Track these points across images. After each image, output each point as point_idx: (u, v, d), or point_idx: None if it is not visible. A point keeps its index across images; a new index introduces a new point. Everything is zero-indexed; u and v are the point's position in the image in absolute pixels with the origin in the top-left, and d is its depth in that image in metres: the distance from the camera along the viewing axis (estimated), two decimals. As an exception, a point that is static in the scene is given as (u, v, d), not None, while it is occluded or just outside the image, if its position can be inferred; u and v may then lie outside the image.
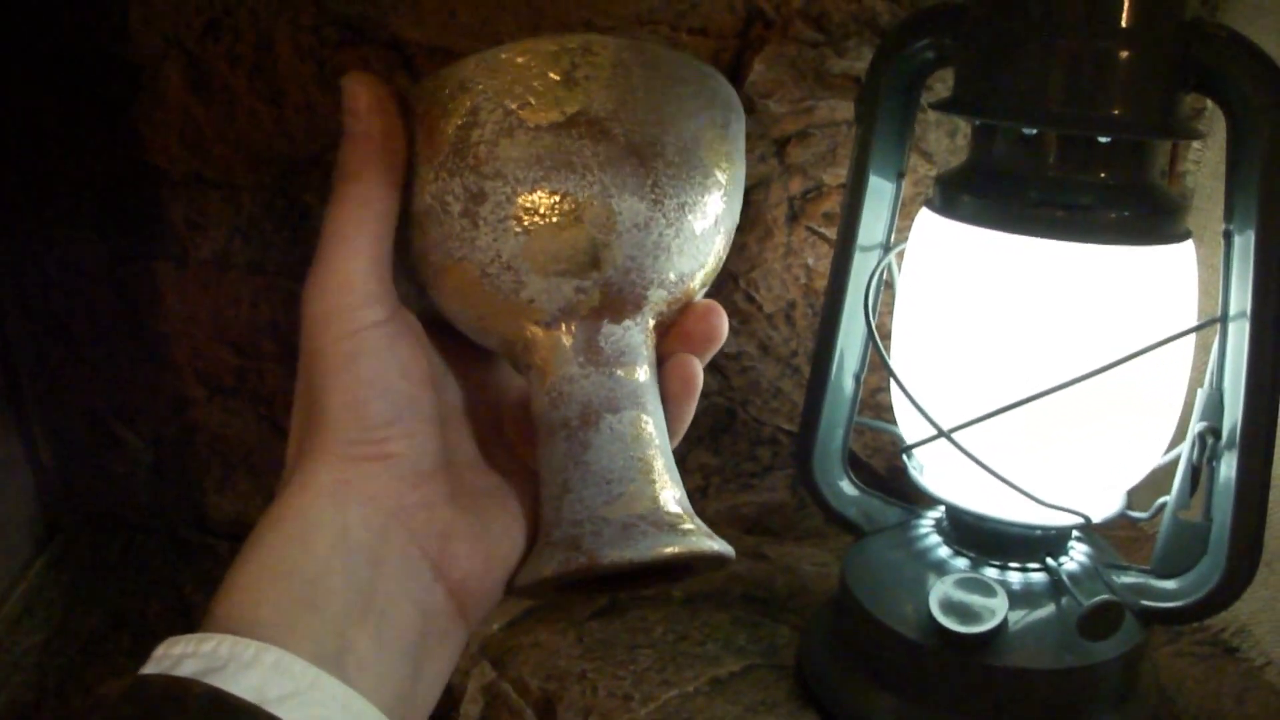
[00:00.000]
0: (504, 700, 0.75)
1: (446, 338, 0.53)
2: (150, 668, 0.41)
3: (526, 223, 0.48)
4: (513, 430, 0.55)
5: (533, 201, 0.47)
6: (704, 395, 0.89)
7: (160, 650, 0.42)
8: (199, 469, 0.95)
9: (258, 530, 0.46)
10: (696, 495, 0.96)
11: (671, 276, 0.49)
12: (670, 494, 0.48)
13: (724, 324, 0.52)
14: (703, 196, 0.49)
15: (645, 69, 0.48)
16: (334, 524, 0.46)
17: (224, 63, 0.80)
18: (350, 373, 0.47)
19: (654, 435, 0.49)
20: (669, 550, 0.46)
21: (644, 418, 0.49)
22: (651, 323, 0.50)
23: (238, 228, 0.85)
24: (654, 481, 0.48)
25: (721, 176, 0.49)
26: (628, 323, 0.49)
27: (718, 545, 0.48)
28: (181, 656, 0.41)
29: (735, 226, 0.52)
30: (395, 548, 0.47)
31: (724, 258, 0.52)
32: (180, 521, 0.96)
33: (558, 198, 0.47)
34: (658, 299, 0.49)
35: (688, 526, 0.47)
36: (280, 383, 0.90)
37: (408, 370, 0.48)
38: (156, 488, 0.96)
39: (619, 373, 0.49)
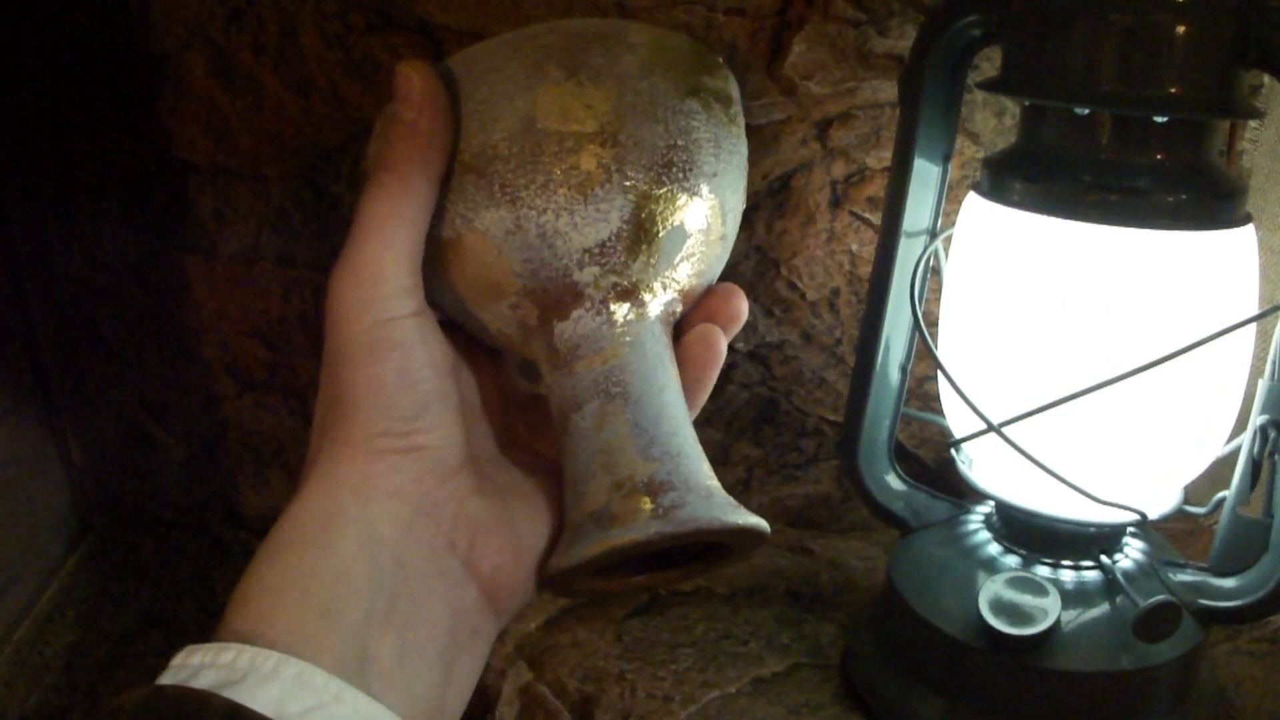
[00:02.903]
0: (540, 702, 0.73)
1: (462, 334, 0.53)
2: (167, 678, 0.41)
3: (441, 269, 0.49)
4: (523, 426, 0.55)
5: (432, 250, 0.49)
6: (746, 385, 0.88)
7: (178, 659, 0.41)
8: (231, 465, 0.94)
9: (276, 531, 0.45)
10: (739, 488, 0.94)
11: (588, 252, 0.47)
12: (634, 476, 0.47)
13: (744, 305, 0.53)
14: (566, 160, 0.46)
15: (465, 78, 0.48)
16: (358, 520, 0.45)
17: (248, 52, 0.78)
18: (382, 363, 0.46)
19: (622, 419, 0.48)
20: (598, 550, 0.46)
21: (608, 405, 0.48)
22: (612, 300, 0.49)
23: (266, 219, 0.84)
24: (614, 470, 0.47)
25: (587, 126, 0.46)
26: (577, 313, 0.49)
27: (650, 530, 0.45)
28: (199, 667, 0.40)
29: (675, 159, 0.48)
30: (422, 543, 0.46)
31: (680, 196, 0.48)
32: (213, 518, 0.96)
33: (441, 240, 0.49)
34: (592, 277, 0.48)
35: (625, 517, 0.46)
36: (312, 376, 0.88)
37: (436, 363, 0.48)
38: (189, 484, 0.95)
39: (578, 367, 0.49)
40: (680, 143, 0.48)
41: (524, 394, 0.56)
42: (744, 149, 0.52)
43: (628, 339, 0.49)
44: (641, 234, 0.48)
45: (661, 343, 0.50)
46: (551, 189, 0.47)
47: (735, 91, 0.51)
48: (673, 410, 0.49)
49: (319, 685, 0.41)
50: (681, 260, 0.50)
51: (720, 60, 0.51)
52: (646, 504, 0.46)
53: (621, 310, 0.49)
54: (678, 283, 0.50)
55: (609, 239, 0.47)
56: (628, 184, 0.47)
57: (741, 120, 0.51)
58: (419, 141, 0.47)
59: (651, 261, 0.48)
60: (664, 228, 0.48)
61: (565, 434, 0.49)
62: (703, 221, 0.49)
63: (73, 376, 0.91)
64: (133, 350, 0.90)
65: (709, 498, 0.47)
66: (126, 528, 0.95)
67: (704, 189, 0.49)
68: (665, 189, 0.48)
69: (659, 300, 0.50)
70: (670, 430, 0.48)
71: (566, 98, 0.46)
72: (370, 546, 0.45)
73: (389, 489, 0.46)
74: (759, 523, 0.48)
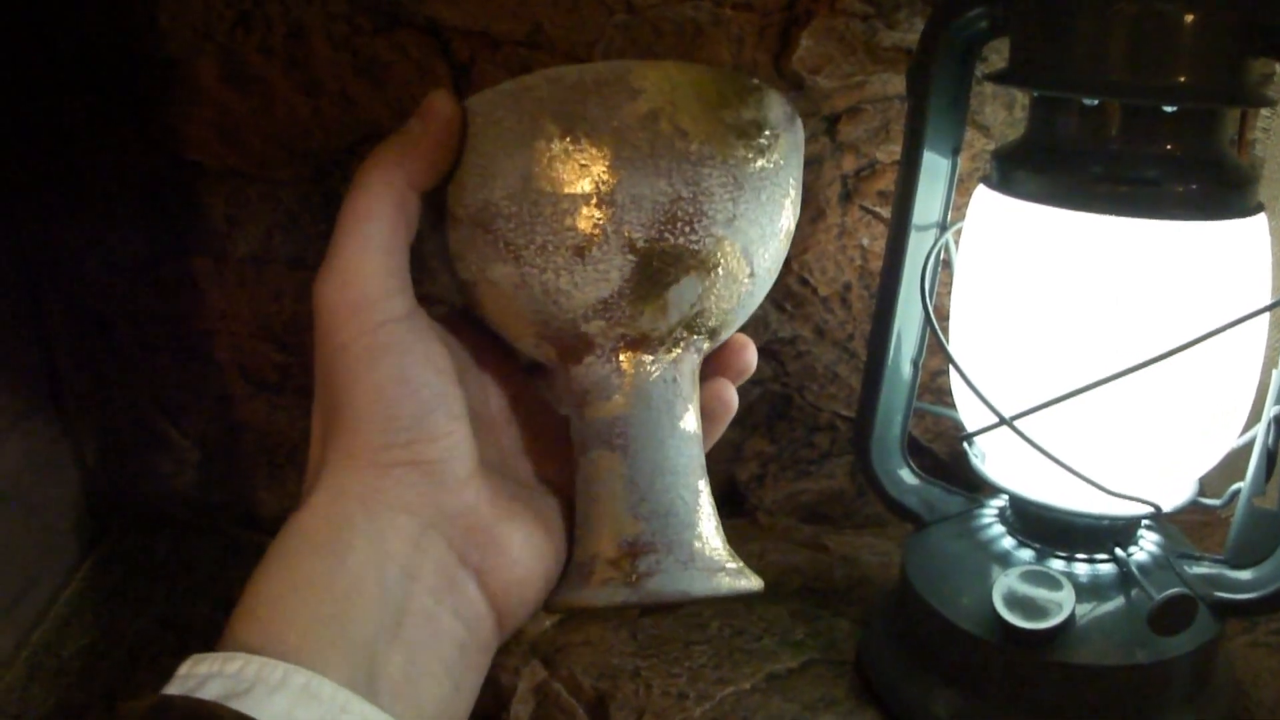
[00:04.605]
0: (555, 700, 0.73)
1: (491, 342, 0.53)
2: (174, 688, 0.40)
3: (471, 304, 0.51)
4: (541, 433, 0.54)
5: (459, 287, 0.50)
6: (759, 381, 0.88)
7: (184, 669, 0.41)
8: (246, 466, 0.94)
9: (283, 541, 0.45)
10: (753, 484, 0.94)
11: (592, 308, 0.47)
12: (622, 533, 0.48)
13: (753, 358, 0.55)
14: (562, 221, 0.46)
15: (471, 129, 0.47)
16: (366, 533, 0.44)
17: (257, 55, 0.79)
18: (376, 370, 0.45)
19: (618, 472, 0.48)
20: (576, 605, 0.48)
21: (608, 455, 0.48)
22: (622, 350, 0.49)
23: (277, 222, 0.84)
24: (605, 523, 0.48)
25: (582, 187, 0.45)
26: (589, 359, 0.49)
27: (617, 598, 0.47)
28: (206, 677, 0.40)
29: (679, 212, 0.46)
30: (432, 558, 0.46)
31: (687, 250, 0.47)
32: (228, 520, 0.96)
33: (463, 281, 0.49)
34: (599, 329, 0.48)
35: (600, 578, 0.47)
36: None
37: (436, 365, 0.47)
38: (203, 486, 0.95)
39: (587, 412, 0.49)
40: (686, 194, 0.46)
41: (541, 400, 0.55)
42: (783, 174, 0.50)
43: (634, 389, 0.49)
44: (647, 289, 0.47)
45: (674, 389, 0.49)
46: (550, 250, 0.46)
47: (772, 113, 0.49)
48: (674, 462, 0.49)
49: (326, 696, 0.40)
50: (697, 308, 0.49)
51: (751, 83, 0.49)
52: (624, 566, 0.47)
53: (631, 359, 0.49)
54: (699, 329, 0.50)
55: (611, 296, 0.47)
56: (626, 244, 0.46)
57: (782, 144, 0.49)
58: (414, 150, 0.46)
59: (661, 314, 0.48)
60: (672, 282, 0.47)
61: (576, 471, 0.50)
62: (719, 270, 0.48)
63: (86, 380, 0.91)
64: (146, 353, 0.90)
65: (688, 564, 0.47)
66: (142, 530, 0.95)
67: (716, 236, 0.47)
68: (668, 244, 0.46)
69: (674, 348, 0.49)
70: (665, 486, 0.48)
71: (561, 157, 0.45)
72: (379, 560, 0.44)
73: (396, 504, 0.45)
74: (735, 586, 0.48)
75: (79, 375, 0.91)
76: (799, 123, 0.51)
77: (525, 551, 0.48)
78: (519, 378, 0.55)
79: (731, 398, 0.54)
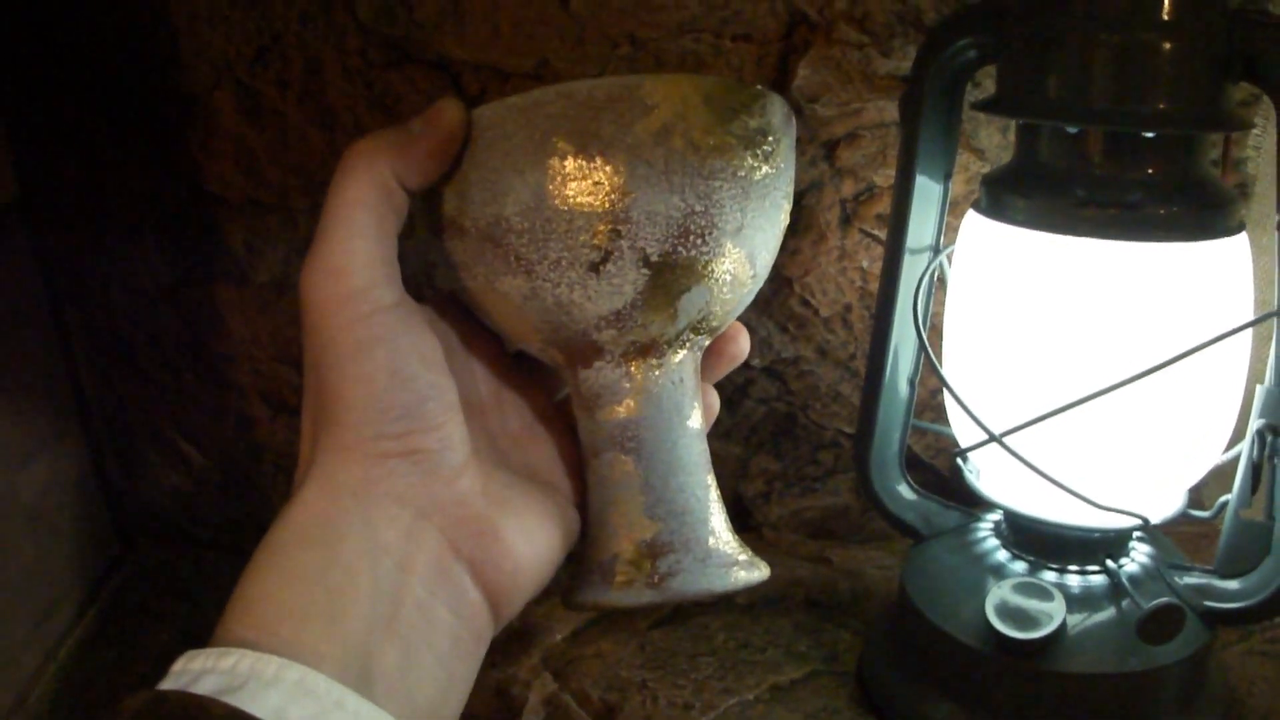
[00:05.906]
0: (565, 711, 0.75)
1: (476, 328, 0.53)
2: (169, 683, 0.40)
3: (475, 308, 0.51)
4: (534, 423, 0.55)
5: (463, 292, 0.51)
6: (763, 400, 0.90)
7: (179, 664, 0.41)
8: (266, 486, 0.96)
9: (275, 535, 0.45)
10: (759, 500, 0.96)
11: (604, 319, 0.48)
12: (639, 535, 0.50)
13: (746, 344, 0.55)
14: (577, 238, 0.46)
15: (476, 141, 0.47)
16: (359, 526, 0.44)
17: (274, 89, 0.81)
18: (367, 361, 0.44)
19: (633, 474, 0.50)
20: (598, 605, 0.50)
21: (622, 458, 0.50)
22: (631, 355, 0.50)
23: (295, 249, 0.86)
24: (622, 525, 0.50)
25: (596, 204, 0.46)
26: (598, 364, 0.50)
27: (643, 598, 0.49)
28: (200, 672, 0.40)
29: (692, 226, 0.47)
30: (425, 548, 0.46)
31: (699, 261, 0.48)
32: (249, 539, 0.97)
33: (469, 292, 0.50)
34: (610, 338, 0.49)
35: (623, 578, 0.49)
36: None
37: (426, 356, 0.46)
38: (224, 506, 0.97)
39: (598, 415, 0.50)
40: (699, 208, 0.47)
41: (530, 386, 0.55)
42: (783, 177, 0.50)
43: (645, 393, 0.50)
44: (658, 300, 0.48)
45: (681, 390, 0.51)
46: (564, 266, 0.46)
47: (775, 118, 0.49)
48: (685, 461, 0.50)
49: (320, 692, 0.40)
50: (705, 313, 0.50)
51: (755, 90, 0.49)
52: (645, 567, 0.49)
53: (641, 365, 0.50)
54: (703, 330, 0.51)
55: (624, 307, 0.47)
56: (640, 258, 0.46)
57: (783, 147, 0.50)
58: (409, 149, 0.45)
59: (672, 320, 0.49)
60: (683, 291, 0.48)
61: (587, 472, 0.51)
62: (727, 276, 0.49)
63: (110, 400, 0.93)
64: (169, 376, 0.92)
65: (705, 561, 0.49)
66: (165, 548, 0.97)
67: (726, 246, 0.48)
68: (681, 256, 0.47)
69: (680, 349, 0.50)
70: (679, 485, 0.50)
71: (575, 175, 0.45)
72: (372, 551, 0.44)
73: (390, 494, 0.45)
74: (750, 579, 0.50)
75: (104, 398, 0.93)
76: (794, 119, 0.51)
77: (519, 541, 0.48)
78: (506, 363, 0.54)
79: (714, 401, 0.55)
